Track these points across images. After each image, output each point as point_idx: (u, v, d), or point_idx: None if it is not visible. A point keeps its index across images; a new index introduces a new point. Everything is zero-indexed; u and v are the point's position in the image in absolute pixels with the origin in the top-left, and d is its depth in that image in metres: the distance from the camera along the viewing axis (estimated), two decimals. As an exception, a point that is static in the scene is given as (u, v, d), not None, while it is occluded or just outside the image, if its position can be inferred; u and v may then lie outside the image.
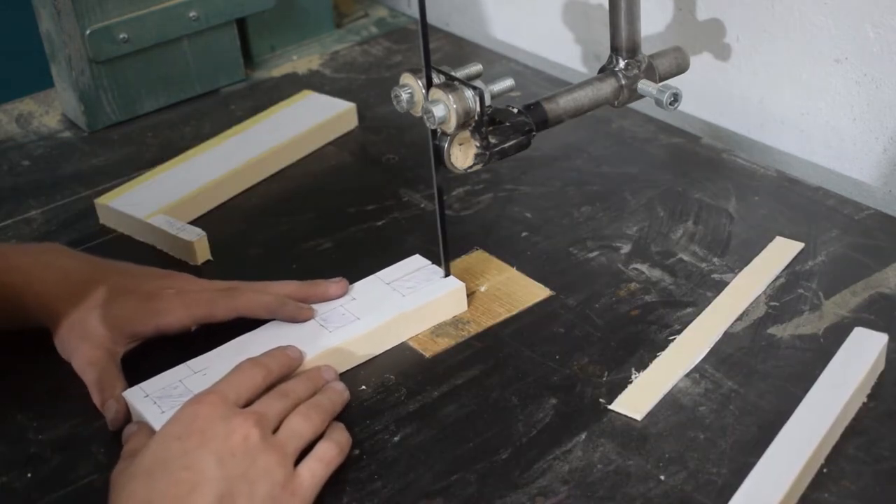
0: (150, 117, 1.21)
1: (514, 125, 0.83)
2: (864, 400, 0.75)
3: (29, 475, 0.74)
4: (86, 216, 1.04)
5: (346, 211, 1.02)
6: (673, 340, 0.82)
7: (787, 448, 0.69)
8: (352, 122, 1.17)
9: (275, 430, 0.70)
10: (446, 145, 0.80)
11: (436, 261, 0.88)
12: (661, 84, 0.90)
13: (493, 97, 0.80)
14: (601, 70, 0.92)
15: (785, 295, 0.86)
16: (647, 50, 0.92)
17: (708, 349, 0.80)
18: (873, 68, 0.98)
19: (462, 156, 0.82)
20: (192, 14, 1.20)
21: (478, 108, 0.78)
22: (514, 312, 0.86)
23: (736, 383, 0.77)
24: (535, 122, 0.84)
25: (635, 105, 0.97)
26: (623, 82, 0.90)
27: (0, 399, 0.81)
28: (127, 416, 0.77)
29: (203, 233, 0.95)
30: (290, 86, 1.27)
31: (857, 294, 0.85)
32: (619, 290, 0.88)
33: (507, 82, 0.82)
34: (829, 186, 1.01)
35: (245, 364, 0.74)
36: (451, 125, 0.78)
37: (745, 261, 0.90)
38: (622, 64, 0.91)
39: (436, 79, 0.80)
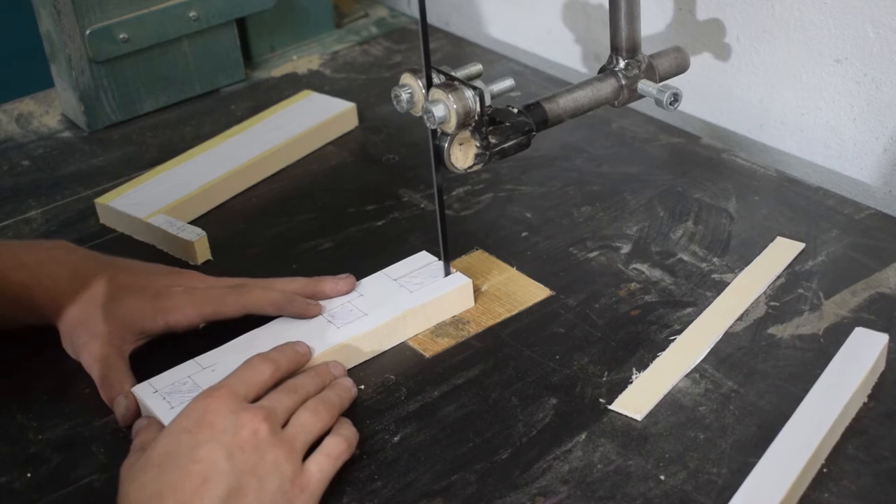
0: (150, 117, 1.21)
1: (514, 125, 0.83)
2: (865, 400, 0.75)
3: (29, 475, 0.74)
4: (86, 216, 1.04)
5: (346, 211, 1.02)
6: (673, 340, 0.82)
7: (787, 448, 0.69)
8: (352, 122, 1.17)
9: (283, 425, 0.70)
10: (446, 145, 0.80)
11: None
12: (661, 84, 0.90)
13: (493, 97, 0.80)
14: (601, 70, 0.92)
15: (785, 295, 0.86)
16: (647, 50, 0.92)
17: (708, 349, 0.80)
18: (873, 68, 0.98)
19: (462, 156, 0.82)
20: (192, 14, 1.20)
21: (478, 108, 0.78)
22: (514, 312, 0.86)
23: (736, 383, 0.77)
24: (535, 122, 0.84)
25: (635, 105, 0.97)
26: (623, 82, 0.90)
27: (0, 399, 0.81)
28: (136, 411, 0.78)
29: (203, 233, 0.95)
30: (290, 86, 1.27)
31: (857, 294, 0.85)
32: (619, 290, 0.88)
33: (507, 82, 0.82)
34: (829, 186, 1.01)
35: (254, 359, 0.74)
36: (451, 125, 0.78)
37: (745, 261, 0.90)
38: (622, 64, 0.91)
39: (436, 79, 0.80)
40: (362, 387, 0.80)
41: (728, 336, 0.82)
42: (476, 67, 0.82)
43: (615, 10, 0.90)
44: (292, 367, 0.76)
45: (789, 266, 0.89)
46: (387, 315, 0.83)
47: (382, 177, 1.08)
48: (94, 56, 1.15)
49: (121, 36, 1.16)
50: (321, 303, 0.84)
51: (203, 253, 0.95)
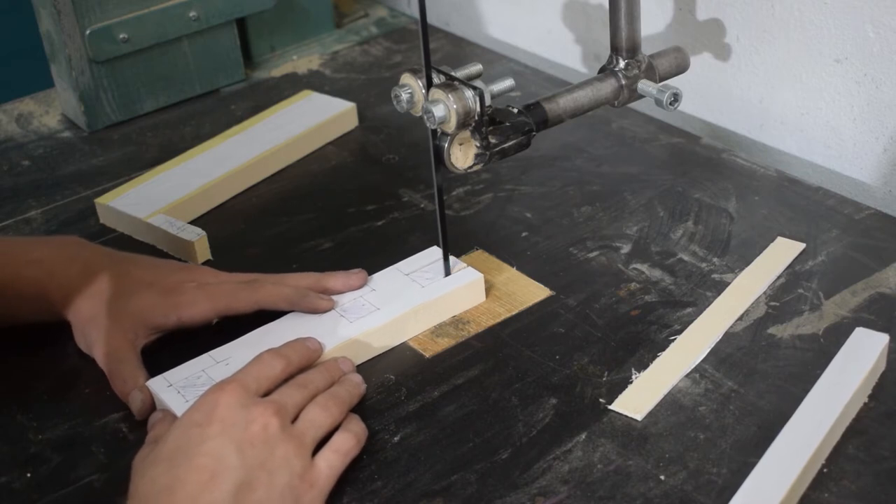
0: (150, 117, 1.21)
1: (514, 125, 0.83)
2: (865, 400, 0.75)
3: (29, 475, 0.74)
4: (86, 216, 1.04)
5: (346, 211, 1.02)
6: (673, 340, 0.82)
7: (787, 448, 0.69)
8: (352, 122, 1.17)
9: (293, 421, 0.71)
10: (446, 145, 0.80)
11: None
12: (661, 84, 0.90)
13: (493, 97, 0.80)
14: (601, 70, 0.92)
15: (785, 295, 0.86)
16: (647, 50, 0.92)
17: (708, 349, 0.80)
18: (873, 68, 0.98)
19: (462, 156, 0.82)
20: (192, 14, 1.20)
21: (478, 108, 0.78)
22: (514, 312, 0.86)
23: (736, 383, 0.77)
24: (535, 122, 0.84)
25: (635, 105, 0.97)
26: (623, 82, 0.90)
27: (0, 399, 0.81)
28: (152, 405, 0.78)
29: (203, 233, 0.95)
30: (290, 86, 1.27)
31: (857, 294, 0.85)
32: (619, 290, 0.88)
33: (507, 82, 0.82)
34: (829, 186, 1.01)
35: (265, 355, 0.75)
36: (451, 125, 0.78)
37: (745, 261, 0.90)
38: (622, 64, 0.91)
39: (436, 79, 0.80)
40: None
41: (728, 336, 0.82)
42: (476, 67, 0.82)
43: (615, 10, 0.90)
44: (303, 362, 0.77)
45: (789, 266, 0.89)
46: (399, 310, 0.84)
47: (382, 177, 1.08)
48: (94, 56, 1.15)
49: (121, 36, 1.16)
50: (333, 298, 0.85)
51: (203, 253, 0.95)
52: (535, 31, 1.32)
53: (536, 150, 1.04)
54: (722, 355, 0.80)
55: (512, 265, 0.92)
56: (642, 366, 0.80)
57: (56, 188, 1.09)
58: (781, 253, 0.90)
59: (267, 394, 0.72)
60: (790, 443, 0.69)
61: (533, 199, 1.01)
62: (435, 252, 0.89)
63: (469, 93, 0.78)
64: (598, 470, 0.71)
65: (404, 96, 0.81)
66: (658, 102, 0.89)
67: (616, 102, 0.91)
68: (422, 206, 1.02)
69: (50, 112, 1.24)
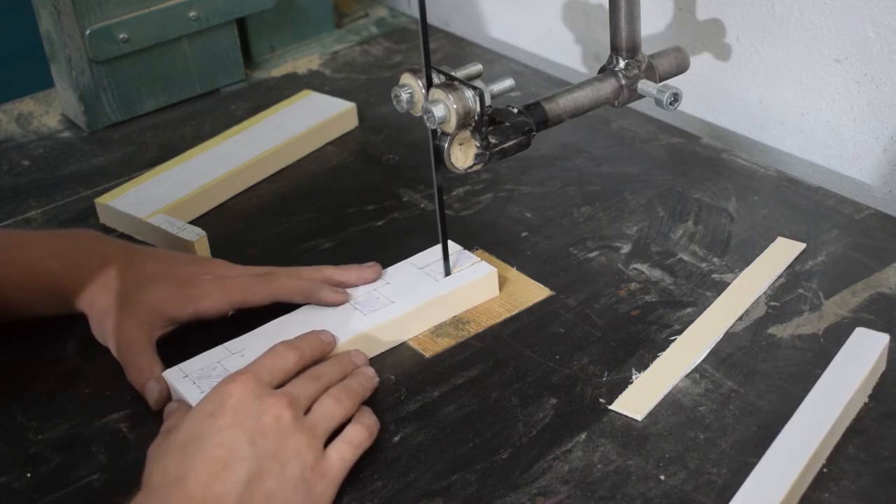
0: (150, 117, 1.21)
1: (514, 125, 0.83)
2: (865, 400, 0.75)
3: (29, 475, 0.74)
4: (86, 216, 1.04)
5: (346, 211, 1.02)
6: (673, 340, 0.82)
7: (787, 448, 0.69)
8: (352, 122, 1.17)
9: (305, 412, 0.71)
10: (446, 145, 0.80)
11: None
12: (661, 84, 0.90)
13: (493, 97, 0.80)
14: (601, 70, 0.92)
15: (785, 295, 0.86)
16: (647, 50, 0.92)
17: (709, 349, 0.80)
18: (873, 68, 0.98)
19: (462, 156, 0.82)
20: (192, 14, 1.20)
21: (478, 108, 0.78)
22: (514, 312, 0.86)
23: (736, 383, 0.77)
24: (535, 122, 0.84)
25: (635, 105, 0.97)
26: (623, 82, 0.90)
27: (0, 399, 0.81)
28: (168, 396, 0.78)
29: (203, 232, 0.95)
30: (290, 86, 1.27)
31: (857, 294, 0.85)
32: (619, 290, 0.88)
33: (507, 82, 0.82)
34: (829, 186, 1.01)
35: (279, 347, 0.75)
36: (451, 125, 0.78)
37: (745, 261, 0.90)
38: (622, 64, 0.91)
39: (436, 79, 0.80)
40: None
41: (728, 336, 0.82)
42: (476, 67, 0.82)
43: (615, 10, 0.90)
44: (317, 355, 0.77)
45: (789, 266, 0.89)
46: (413, 303, 0.84)
47: (382, 177, 1.07)
48: (94, 56, 1.15)
49: (121, 36, 1.16)
50: (348, 291, 0.85)
51: (203, 253, 0.95)
52: (535, 31, 1.32)
53: (536, 150, 1.04)
54: (722, 355, 0.80)
55: (512, 265, 0.92)
56: (642, 366, 0.80)
57: (56, 188, 1.09)
58: (781, 253, 0.90)
59: (280, 385, 0.72)
60: (790, 443, 0.69)
61: (533, 199, 1.01)
62: (449, 246, 0.90)
63: (469, 93, 0.78)
64: (598, 470, 0.71)
65: (404, 96, 0.81)
66: (658, 102, 0.89)
67: (616, 102, 0.91)
68: (422, 206, 1.02)
69: (50, 112, 1.24)
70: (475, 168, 0.82)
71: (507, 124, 0.83)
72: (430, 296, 0.85)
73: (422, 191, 1.04)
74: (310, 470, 0.68)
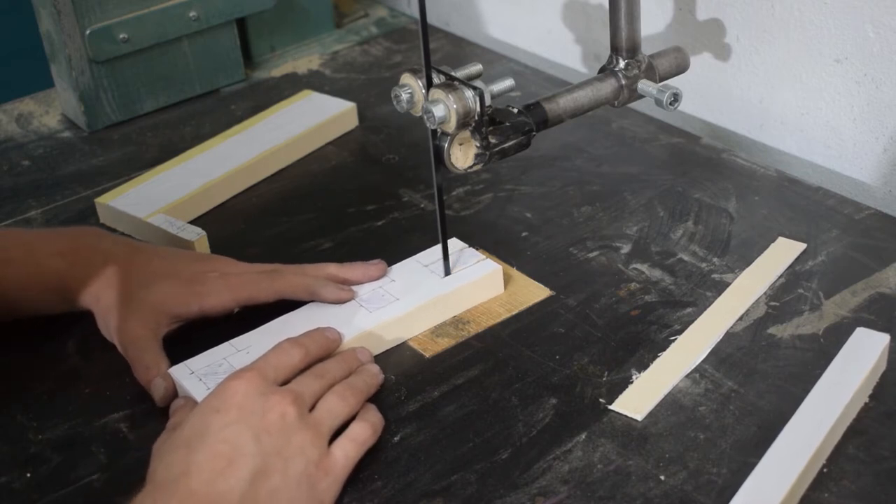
0: (150, 117, 1.21)
1: (514, 125, 0.83)
2: (866, 400, 0.75)
3: (29, 475, 0.74)
4: (86, 216, 1.04)
5: (346, 211, 1.02)
6: (673, 340, 0.82)
7: (788, 448, 0.69)
8: (352, 122, 1.17)
9: (310, 409, 0.71)
10: (446, 145, 0.80)
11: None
12: (661, 84, 0.90)
13: (493, 97, 0.80)
14: (601, 70, 0.92)
15: (785, 295, 0.86)
16: (647, 50, 0.92)
17: (709, 349, 0.80)
18: (873, 68, 0.98)
19: (462, 156, 0.82)
20: (192, 14, 1.20)
21: (478, 108, 0.78)
22: (514, 312, 0.86)
23: (736, 383, 0.77)
24: (535, 122, 0.84)
25: (635, 105, 0.97)
26: (623, 82, 0.90)
27: (0, 399, 0.81)
28: (174, 392, 0.78)
29: (203, 232, 0.95)
30: (290, 86, 1.27)
31: (857, 294, 0.85)
32: (619, 290, 0.88)
33: (507, 82, 0.82)
34: (829, 186, 1.01)
35: (284, 344, 0.75)
36: (451, 125, 0.78)
37: (745, 261, 0.90)
38: (622, 64, 0.91)
39: (436, 79, 0.80)
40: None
41: (728, 336, 0.82)
42: (476, 67, 0.82)
43: (615, 10, 0.90)
44: (321, 352, 0.78)
45: (789, 266, 0.89)
46: (418, 300, 0.84)
47: (382, 177, 1.08)
48: (94, 56, 1.15)
49: (121, 36, 1.16)
50: (353, 288, 0.85)
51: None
52: (535, 31, 1.32)
53: (536, 150, 1.04)
54: (722, 355, 0.80)
55: (512, 265, 0.92)
56: (642, 366, 0.80)
57: (56, 188, 1.09)
58: (782, 253, 0.90)
59: (285, 382, 0.73)
60: (790, 443, 0.69)
61: (533, 199, 1.01)
62: (454, 244, 0.90)
63: (469, 93, 0.78)
64: (598, 470, 0.71)
65: (404, 96, 0.81)
66: (658, 102, 0.89)
67: (616, 102, 0.91)
68: (422, 206, 1.02)
69: (50, 112, 1.24)
70: (475, 168, 0.82)
71: (507, 124, 0.83)
72: (436, 293, 0.85)
73: (422, 191, 1.04)
74: (314, 467, 0.68)
